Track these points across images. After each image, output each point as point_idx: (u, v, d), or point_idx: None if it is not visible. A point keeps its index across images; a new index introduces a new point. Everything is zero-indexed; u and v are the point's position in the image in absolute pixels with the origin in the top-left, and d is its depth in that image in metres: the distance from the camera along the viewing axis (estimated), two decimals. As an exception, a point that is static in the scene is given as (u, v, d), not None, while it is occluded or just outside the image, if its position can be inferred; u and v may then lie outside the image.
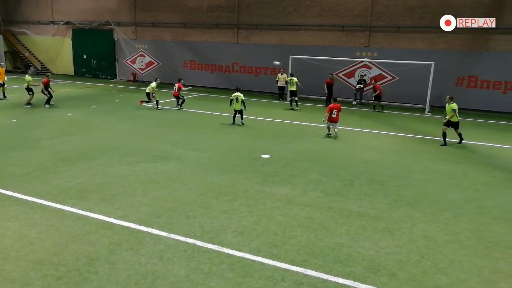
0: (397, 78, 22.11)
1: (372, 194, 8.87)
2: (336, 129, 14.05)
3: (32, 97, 18.58)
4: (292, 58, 22.61)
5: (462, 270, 5.94)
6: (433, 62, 19.56)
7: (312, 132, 14.94)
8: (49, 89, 18.55)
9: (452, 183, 9.82)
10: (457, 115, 13.19)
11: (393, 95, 21.89)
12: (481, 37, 20.41)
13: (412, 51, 21.46)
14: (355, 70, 23.15)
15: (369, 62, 22.46)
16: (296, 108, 19.70)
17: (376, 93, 19.68)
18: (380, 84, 20.75)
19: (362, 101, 22.05)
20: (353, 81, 23.05)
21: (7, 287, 5.20)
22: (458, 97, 20.53)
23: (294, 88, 19.71)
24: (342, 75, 23.43)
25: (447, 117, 13.20)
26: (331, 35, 23.52)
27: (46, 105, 18.39)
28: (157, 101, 18.77)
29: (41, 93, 18.40)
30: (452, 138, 13.53)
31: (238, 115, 15.65)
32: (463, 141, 13.55)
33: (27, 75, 18.97)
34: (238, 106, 15.40)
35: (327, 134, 14.30)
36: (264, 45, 25.28)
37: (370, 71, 22.71)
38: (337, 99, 14.28)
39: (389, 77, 22.40)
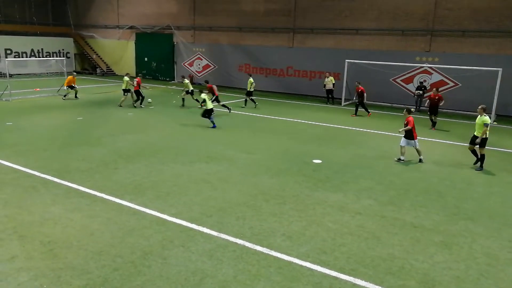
0: (460, 84, 20.98)
1: (428, 205, 8.49)
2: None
3: (137, 98, 19.51)
4: (348, 62, 22.23)
5: (527, 292, 5.52)
6: (501, 68, 18.33)
7: (364, 138, 14.57)
8: (140, 89, 19.47)
9: (518, 198, 9.16)
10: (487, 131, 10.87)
11: (455, 102, 20.77)
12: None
13: (477, 56, 20.27)
14: (414, 76, 22.28)
15: (430, 67, 21.51)
16: (243, 106, 20.64)
17: (441, 102, 16.76)
18: (441, 91, 19.51)
19: (421, 108, 21.09)
20: (411, 87, 22.18)
21: (68, 274, 5.56)
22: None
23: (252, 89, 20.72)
24: (400, 80, 22.63)
25: (476, 133, 11.03)
26: (389, 39, 22.83)
27: (142, 106, 19.48)
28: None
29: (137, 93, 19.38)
30: (504, 147, 12.56)
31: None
32: (483, 167, 11.10)
33: (125, 77, 19.72)
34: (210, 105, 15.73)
35: (403, 159, 11.72)
36: (319, 49, 25.06)
37: (431, 77, 21.74)
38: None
39: (451, 84, 21.30)
